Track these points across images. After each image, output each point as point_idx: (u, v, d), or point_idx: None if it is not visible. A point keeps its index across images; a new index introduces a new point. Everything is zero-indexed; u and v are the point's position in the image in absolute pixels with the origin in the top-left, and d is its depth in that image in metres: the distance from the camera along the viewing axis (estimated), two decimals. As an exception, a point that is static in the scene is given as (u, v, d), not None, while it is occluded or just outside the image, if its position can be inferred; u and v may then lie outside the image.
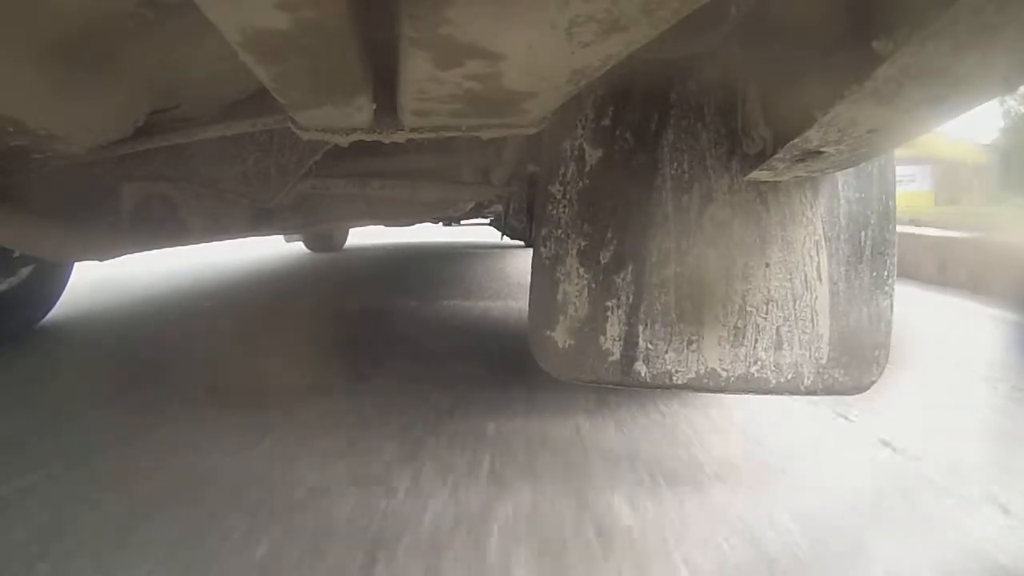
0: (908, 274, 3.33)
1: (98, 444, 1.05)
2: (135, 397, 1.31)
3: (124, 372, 1.51)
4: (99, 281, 2.85)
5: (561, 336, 0.88)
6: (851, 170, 0.85)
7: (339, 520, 0.80)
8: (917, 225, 4.22)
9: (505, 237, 4.35)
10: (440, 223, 5.82)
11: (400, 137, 0.68)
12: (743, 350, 0.86)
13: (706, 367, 0.87)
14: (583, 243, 0.88)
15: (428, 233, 6.99)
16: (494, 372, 1.50)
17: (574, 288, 0.88)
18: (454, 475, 0.93)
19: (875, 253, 0.87)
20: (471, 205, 2.83)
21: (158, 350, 1.76)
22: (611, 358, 0.87)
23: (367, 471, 0.94)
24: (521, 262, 4.07)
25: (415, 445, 1.04)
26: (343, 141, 0.69)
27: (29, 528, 0.77)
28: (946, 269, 3.25)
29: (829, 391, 0.87)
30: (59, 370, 1.56)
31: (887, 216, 0.88)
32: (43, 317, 1.95)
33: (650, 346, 0.87)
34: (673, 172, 0.87)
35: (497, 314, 2.30)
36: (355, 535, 0.77)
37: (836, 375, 0.87)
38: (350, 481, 0.91)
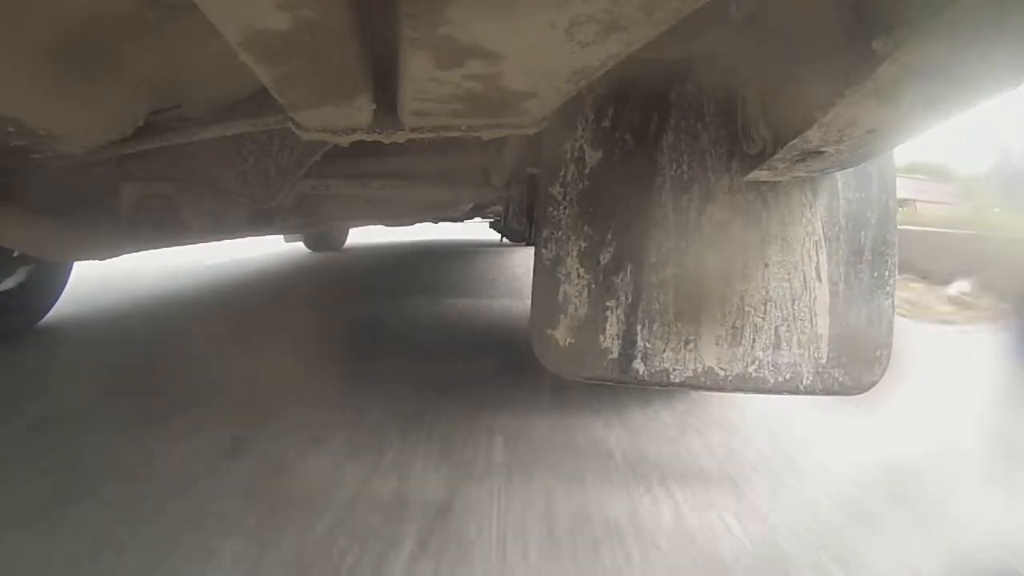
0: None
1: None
2: (127, 402, 1.31)
3: (122, 374, 1.51)
4: (101, 279, 2.85)
5: (562, 334, 0.88)
6: (851, 170, 0.85)
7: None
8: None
9: (504, 239, 4.32)
10: (439, 223, 5.79)
11: (400, 137, 0.68)
12: (740, 349, 0.86)
13: (703, 366, 0.87)
14: (583, 244, 0.88)
15: (428, 232, 6.98)
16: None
17: (574, 288, 0.88)
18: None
19: (876, 253, 0.87)
20: (471, 206, 2.83)
21: (157, 351, 1.76)
22: (610, 356, 0.88)
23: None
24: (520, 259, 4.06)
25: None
26: (343, 141, 0.69)
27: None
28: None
29: (828, 391, 0.86)
30: (55, 372, 1.55)
31: (888, 216, 0.87)
32: (44, 316, 1.94)
33: (648, 345, 0.87)
34: (673, 173, 0.87)
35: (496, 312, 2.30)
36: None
37: (836, 375, 0.86)
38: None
